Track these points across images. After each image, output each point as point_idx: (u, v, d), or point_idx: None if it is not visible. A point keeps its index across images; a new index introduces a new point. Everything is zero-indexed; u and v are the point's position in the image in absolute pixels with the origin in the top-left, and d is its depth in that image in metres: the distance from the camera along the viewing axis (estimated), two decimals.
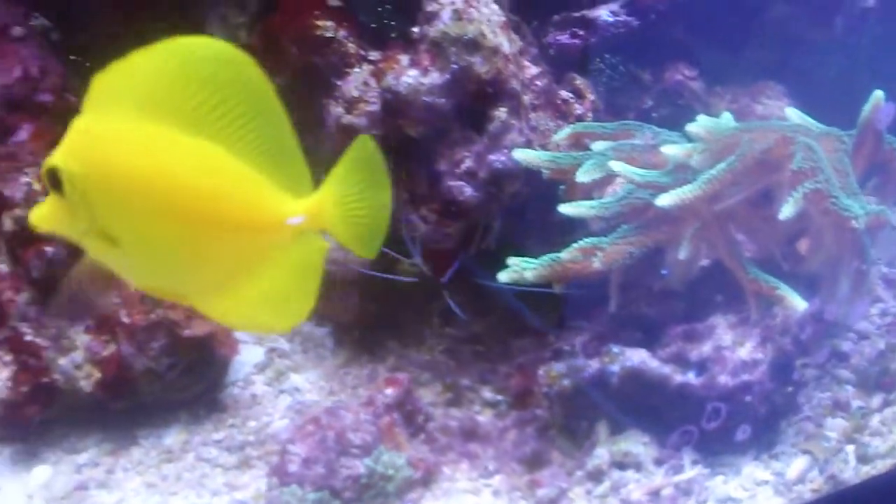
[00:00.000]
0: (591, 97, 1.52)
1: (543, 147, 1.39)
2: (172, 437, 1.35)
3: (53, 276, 1.30)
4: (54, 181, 0.71)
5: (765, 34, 1.72)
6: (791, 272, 1.29)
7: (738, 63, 1.73)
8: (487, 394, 1.42)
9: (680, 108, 1.64)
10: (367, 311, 1.47)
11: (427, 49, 1.30)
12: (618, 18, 1.58)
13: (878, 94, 1.25)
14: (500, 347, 1.47)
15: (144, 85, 0.69)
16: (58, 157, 0.71)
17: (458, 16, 1.29)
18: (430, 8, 1.31)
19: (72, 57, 1.45)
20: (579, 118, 1.47)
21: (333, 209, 0.74)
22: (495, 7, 1.34)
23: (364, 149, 0.75)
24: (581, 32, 1.58)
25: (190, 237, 0.72)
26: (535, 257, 1.29)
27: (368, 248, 0.77)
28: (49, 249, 1.30)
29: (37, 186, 1.30)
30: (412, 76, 1.30)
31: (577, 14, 1.58)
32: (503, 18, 1.35)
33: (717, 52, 1.69)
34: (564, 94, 1.46)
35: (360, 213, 0.75)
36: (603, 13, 1.58)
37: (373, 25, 1.42)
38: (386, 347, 1.51)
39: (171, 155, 0.70)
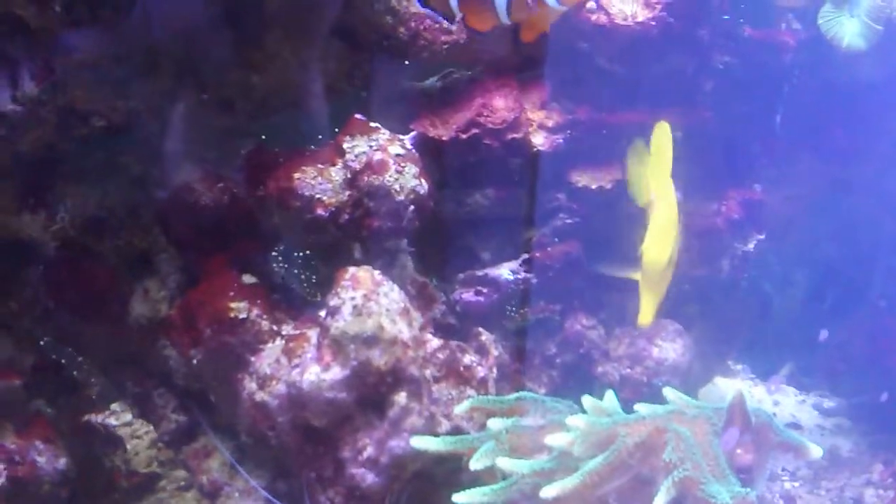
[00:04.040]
0: (495, 353, 1.62)
1: (447, 417, 1.48)
2: None
3: None
4: None
5: None
6: None
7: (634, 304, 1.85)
8: None
9: (581, 355, 1.75)
10: None
11: (329, 344, 1.39)
12: (517, 276, 1.70)
13: (739, 392, 1.36)
14: None
15: None
16: None
17: (357, 311, 1.39)
18: (333, 302, 1.40)
19: None
20: (482, 381, 1.56)
21: None
22: (395, 295, 1.43)
23: None
24: (485, 290, 1.69)
25: None
26: None
27: None
28: None
29: None
30: (314, 373, 1.38)
31: (480, 273, 1.70)
32: (402, 305, 1.44)
33: (615, 294, 1.81)
34: (467, 359, 1.54)
35: None
36: (504, 272, 1.69)
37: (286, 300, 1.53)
38: None
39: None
